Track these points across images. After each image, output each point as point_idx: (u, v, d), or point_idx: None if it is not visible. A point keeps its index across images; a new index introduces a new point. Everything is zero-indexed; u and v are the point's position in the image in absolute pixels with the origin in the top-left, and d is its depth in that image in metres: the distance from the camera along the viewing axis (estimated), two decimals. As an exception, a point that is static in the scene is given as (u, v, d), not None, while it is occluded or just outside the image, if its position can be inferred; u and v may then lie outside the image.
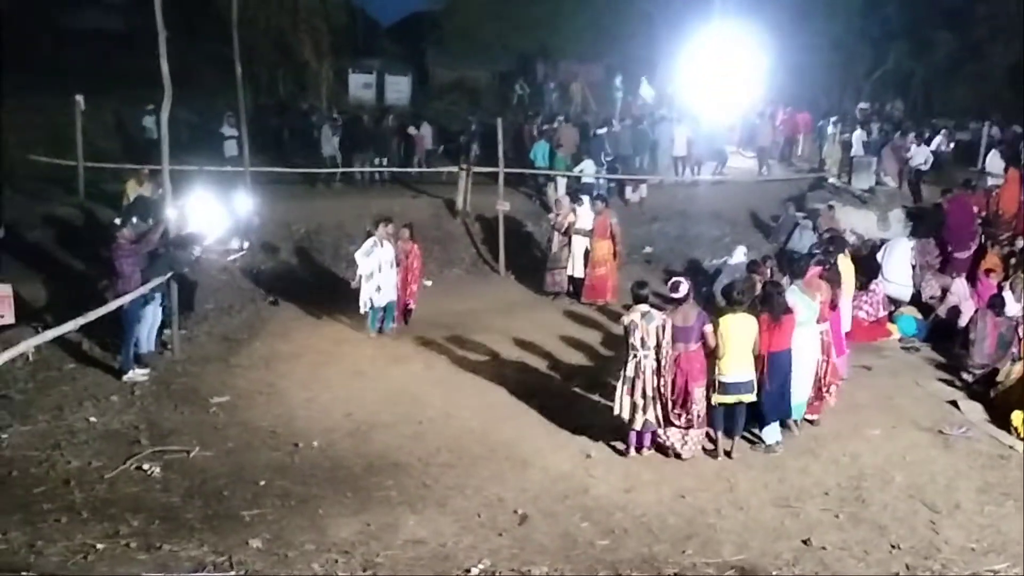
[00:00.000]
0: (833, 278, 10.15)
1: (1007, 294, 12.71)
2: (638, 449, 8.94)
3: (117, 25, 29.19)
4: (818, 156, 23.24)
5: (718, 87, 23.85)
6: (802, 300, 9.41)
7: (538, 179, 19.74)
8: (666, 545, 7.30)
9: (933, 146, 22.83)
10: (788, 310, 9.02)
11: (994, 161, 20.81)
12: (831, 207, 17.45)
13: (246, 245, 13.42)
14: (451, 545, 7.16)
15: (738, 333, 8.75)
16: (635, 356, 8.72)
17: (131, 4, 26.93)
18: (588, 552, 7.16)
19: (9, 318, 11.26)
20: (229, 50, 15.12)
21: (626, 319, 8.80)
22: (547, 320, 13.81)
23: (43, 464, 8.43)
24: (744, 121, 24.91)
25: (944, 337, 12.98)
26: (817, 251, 11.94)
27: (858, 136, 22.62)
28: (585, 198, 15.54)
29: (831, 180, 20.70)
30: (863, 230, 17.51)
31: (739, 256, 14.16)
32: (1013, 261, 15.12)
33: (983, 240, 15.98)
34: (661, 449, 9.04)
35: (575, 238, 14.86)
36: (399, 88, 31.20)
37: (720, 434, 9.11)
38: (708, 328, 8.77)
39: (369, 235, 12.53)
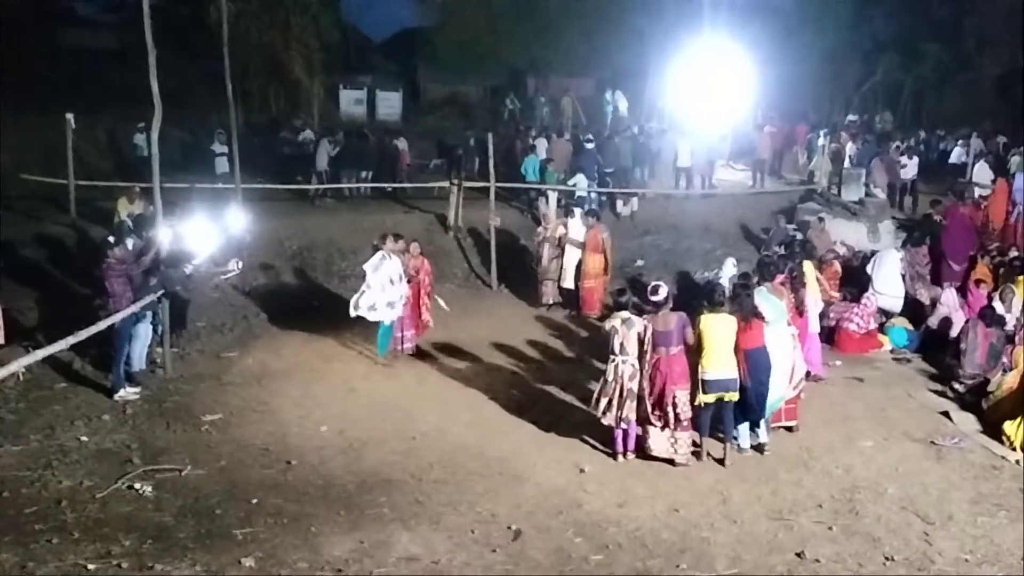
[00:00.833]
0: (796, 282, 10.45)
1: (996, 304, 12.75)
2: (623, 453, 9.08)
3: (109, 43, 29.28)
4: (807, 168, 23.34)
5: (709, 100, 23.95)
6: (768, 300, 9.59)
7: (530, 193, 19.78)
8: (660, 560, 7.29)
9: (955, 158, 23.05)
10: (757, 310, 9.21)
11: (982, 172, 20.91)
12: (821, 219, 17.48)
13: (239, 264, 13.39)
14: (445, 562, 7.15)
15: (719, 331, 8.94)
16: (613, 360, 8.95)
17: (123, 23, 27.05)
18: (582, 568, 7.15)
19: (-1, 338, 11.24)
20: (221, 68, 15.18)
21: (607, 325, 9.07)
22: (540, 334, 13.81)
23: (35, 484, 8.38)
24: (735, 133, 25.01)
25: (935, 348, 13.01)
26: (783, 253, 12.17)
27: (848, 148, 22.71)
28: (577, 210, 15.64)
29: (821, 192, 20.76)
30: (853, 241, 17.52)
31: (729, 269, 14.19)
32: (1002, 272, 15.16)
33: (973, 250, 16.03)
34: (646, 456, 9.07)
35: (568, 250, 14.97)
36: (390, 104, 31.31)
37: (704, 440, 9.20)
38: (689, 331, 8.98)
39: (376, 249, 12.24)
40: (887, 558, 7.39)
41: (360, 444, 9.50)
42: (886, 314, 14.17)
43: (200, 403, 10.66)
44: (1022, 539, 7.76)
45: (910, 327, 13.85)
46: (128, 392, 10.70)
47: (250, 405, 10.66)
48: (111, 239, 11.74)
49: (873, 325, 13.61)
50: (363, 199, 20.70)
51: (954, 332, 12.69)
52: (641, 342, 8.92)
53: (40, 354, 8.81)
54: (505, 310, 15.41)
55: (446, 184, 19.04)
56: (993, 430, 10.08)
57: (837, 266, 14.92)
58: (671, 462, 9.00)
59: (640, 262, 17.76)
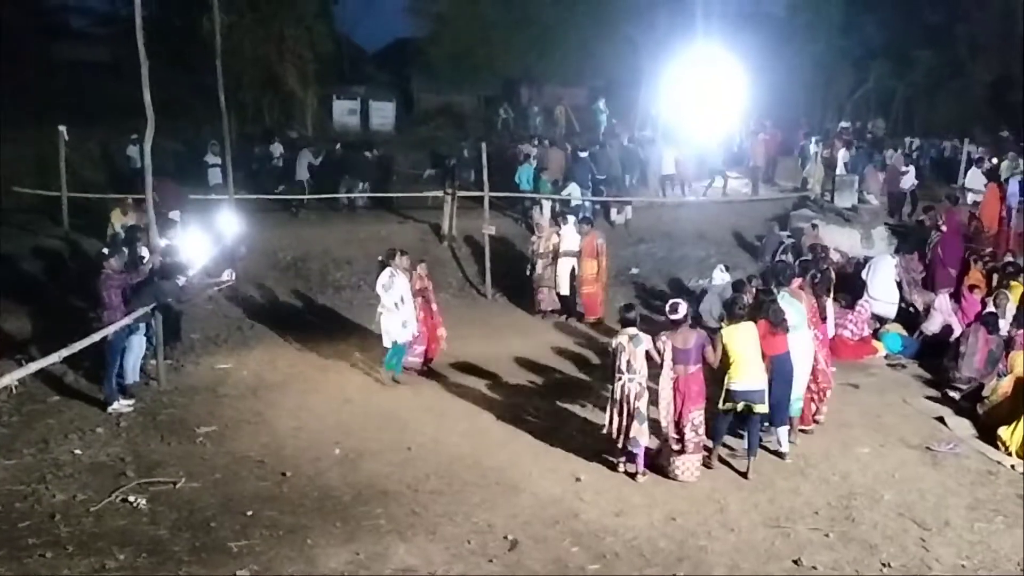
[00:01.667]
0: (819, 288, 10.46)
1: (993, 310, 12.77)
2: (632, 475, 8.90)
3: (102, 56, 29.22)
4: (800, 175, 23.39)
5: (702, 108, 24.01)
6: (792, 305, 9.62)
7: (524, 202, 19.79)
8: (657, 569, 7.27)
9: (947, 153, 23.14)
10: (784, 321, 9.19)
11: (975, 177, 20.96)
12: (815, 226, 17.53)
13: (232, 275, 13.33)
14: (441, 573, 7.13)
15: (744, 341, 8.86)
16: (620, 379, 8.78)
17: (116, 35, 27.03)
18: (579, 577, 7.14)
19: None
20: (214, 79, 15.16)
21: (613, 342, 8.87)
22: (535, 343, 13.79)
23: (28, 498, 8.34)
24: (728, 140, 25.07)
25: (931, 354, 13.02)
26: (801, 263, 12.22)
27: (841, 155, 22.77)
28: (570, 217, 15.69)
29: (814, 199, 20.80)
30: (847, 248, 17.57)
31: (719, 276, 14.20)
32: (996, 277, 15.18)
33: (966, 256, 16.06)
34: (659, 470, 9.02)
35: (561, 257, 15.01)
36: (384, 114, 31.27)
37: (716, 449, 9.20)
38: (708, 349, 8.86)
39: (383, 266, 11.73)
40: (884, 564, 7.39)
41: (356, 455, 9.47)
42: (880, 320, 14.19)
43: (194, 415, 10.62)
44: (1019, 544, 7.76)
45: (904, 333, 13.88)
46: (122, 405, 10.66)
47: (245, 417, 10.62)
48: (105, 251, 11.71)
49: (867, 331, 13.65)
50: (356, 210, 20.65)
51: (953, 338, 12.70)
52: (650, 359, 8.77)
53: (33, 367, 8.77)
54: (500, 319, 15.40)
55: (440, 194, 19.04)
56: (989, 435, 10.10)
57: (831, 273, 14.91)
58: (674, 477, 8.93)
59: (635, 270, 17.80)
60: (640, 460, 8.92)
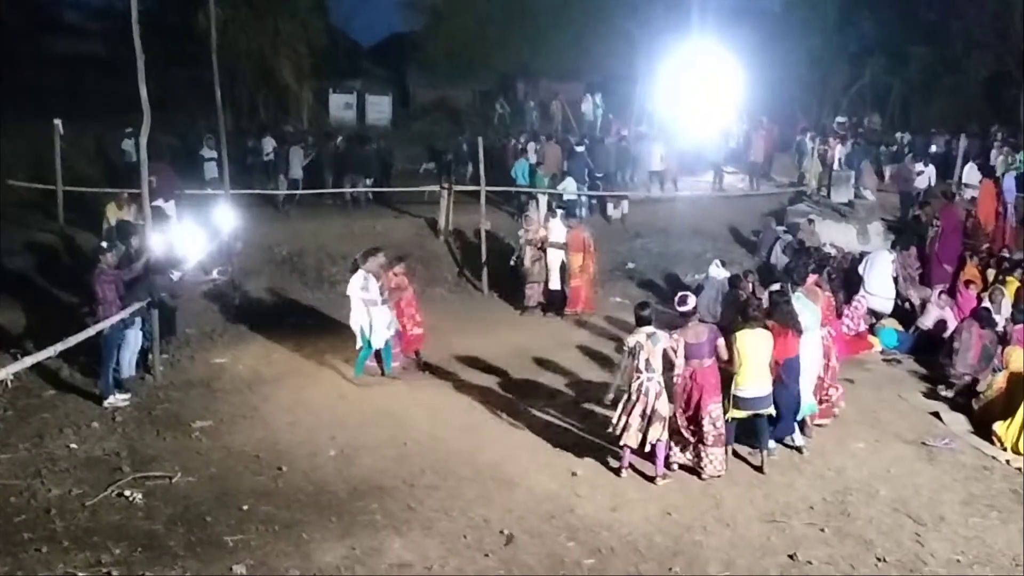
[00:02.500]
0: (837, 286, 10.51)
1: (988, 305, 12.78)
2: (663, 475, 8.77)
3: (97, 50, 29.21)
4: (797, 171, 23.43)
5: (698, 103, 24.03)
6: (807, 306, 9.65)
7: (520, 197, 19.79)
8: (653, 563, 7.28)
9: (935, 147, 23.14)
10: (798, 323, 9.20)
11: (971, 174, 21.01)
12: (811, 221, 17.57)
13: (226, 270, 13.33)
14: (437, 568, 7.12)
15: (755, 348, 8.82)
16: (638, 378, 8.63)
17: (111, 30, 26.99)
18: (575, 572, 7.14)
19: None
20: (209, 74, 15.11)
21: (631, 340, 8.70)
22: (530, 337, 13.78)
23: (23, 493, 8.32)
24: (725, 136, 25.09)
25: (926, 349, 13.03)
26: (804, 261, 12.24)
27: (838, 151, 22.80)
28: (558, 211, 15.75)
29: (810, 194, 20.83)
30: (843, 243, 17.59)
31: (714, 271, 14.20)
32: (992, 273, 15.22)
33: (963, 252, 16.08)
34: (690, 470, 8.94)
35: (550, 251, 15.06)
36: (380, 108, 31.31)
37: (729, 450, 9.13)
38: (720, 342, 8.83)
39: (355, 267, 11.54)
40: (879, 559, 7.39)
41: (351, 450, 9.46)
42: (876, 316, 14.20)
43: (190, 410, 10.60)
44: (1014, 540, 7.78)
45: (900, 328, 13.88)
46: (117, 399, 10.63)
47: (241, 412, 10.60)
48: (103, 244, 11.68)
49: (863, 326, 13.65)
50: (359, 204, 20.62)
51: (948, 333, 12.72)
52: (668, 358, 8.68)
53: (28, 361, 8.75)
54: (496, 315, 15.39)
55: (436, 188, 19.03)
56: (984, 431, 10.11)
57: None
58: (698, 475, 8.85)
59: (631, 265, 17.80)
60: (660, 462, 8.78)
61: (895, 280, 14.63)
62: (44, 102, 20.08)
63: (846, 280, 14.99)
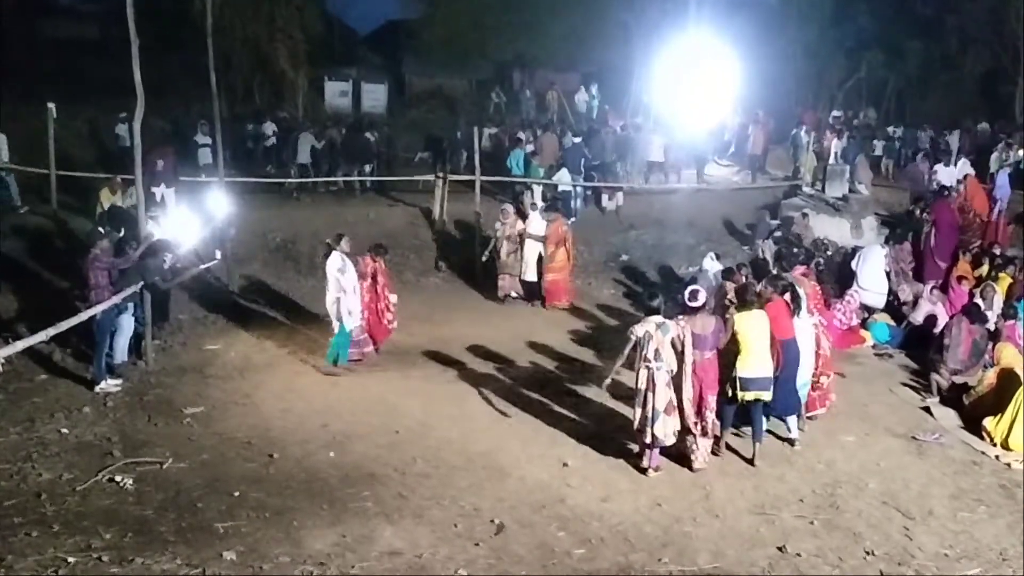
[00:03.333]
0: (823, 275, 10.64)
1: (979, 301, 12.82)
2: (646, 470, 8.79)
3: (91, 34, 29.05)
4: (792, 164, 23.42)
5: (694, 95, 23.98)
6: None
7: (515, 187, 19.76)
8: (642, 554, 7.31)
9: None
10: (797, 294, 9.41)
11: (964, 169, 21.03)
12: (805, 215, 17.57)
13: (217, 254, 13.28)
14: (427, 556, 7.14)
15: (755, 329, 8.92)
16: (647, 368, 8.61)
17: (106, 13, 26.80)
18: (565, 562, 7.16)
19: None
20: (204, 59, 15.03)
21: (640, 330, 8.64)
22: (524, 328, 13.81)
23: (14, 477, 8.31)
24: (720, 128, 25.07)
25: (918, 344, 13.08)
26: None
27: (834, 145, 22.80)
28: (538, 203, 15.85)
29: (805, 188, 20.83)
30: (837, 238, 17.62)
31: (709, 264, 14.21)
32: (985, 269, 15.26)
33: (956, 248, 16.11)
34: (675, 457, 8.99)
35: (527, 243, 15.09)
36: (376, 96, 31.18)
37: (724, 435, 9.23)
38: (722, 335, 8.89)
39: (330, 249, 11.53)
40: (868, 552, 7.44)
41: (343, 438, 9.47)
42: (868, 310, 14.24)
43: (182, 396, 10.61)
44: (1001, 534, 7.83)
45: (892, 323, 13.93)
46: (109, 384, 10.64)
47: (232, 398, 10.61)
48: (100, 230, 11.63)
49: (855, 321, 13.69)
50: (357, 193, 20.58)
51: (938, 328, 12.76)
52: (675, 347, 8.66)
53: (20, 345, 8.70)
54: (488, 304, 15.39)
55: (431, 177, 18.99)
56: (974, 426, 10.17)
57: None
58: (688, 466, 8.90)
59: (625, 256, 17.81)
60: (656, 453, 8.79)
61: (887, 275, 14.68)
62: (38, 85, 19.97)
63: (839, 274, 15.03)
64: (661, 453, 8.90)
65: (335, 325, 11.48)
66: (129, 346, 11.42)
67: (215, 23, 15.58)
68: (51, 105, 16.95)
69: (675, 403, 8.66)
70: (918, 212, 17.06)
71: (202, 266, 12.97)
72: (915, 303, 14.10)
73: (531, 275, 15.19)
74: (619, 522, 7.81)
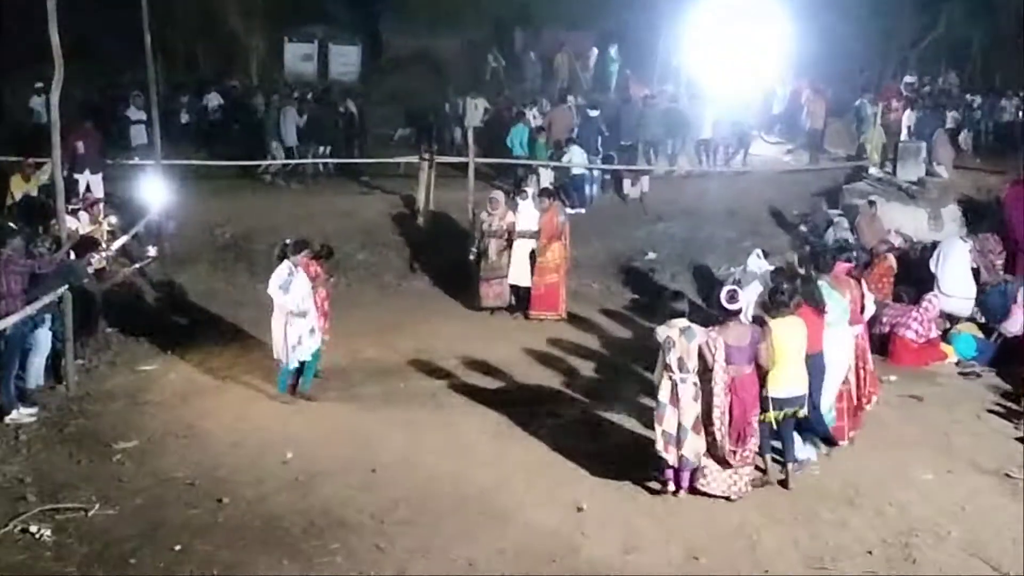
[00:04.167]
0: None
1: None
2: (675, 492, 9.03)
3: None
4: (855, 141, 23.44)
5: (734, 58, 24.01)
6: (831, 297, 9.79)
7: (517, 170, 19.78)
8: (675, 619, 7.30)
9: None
10: (823, 301, 9.48)
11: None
12: (872, 203, 17.55)
13: (153, 252, 13.33)
14: (411, 621, 7.14)
15: (790, 340, 9.07)
16: (671, 379, 8.81)
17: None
18: (579, 628, 7.16)
19: None
20: (137, 16, 15.07)
21: (661, 334, 8.88)
22: (527, 341, 13.79)
23: (-98, 530, 8.33)
24: (767, 98, 25.10)
25: (1011, 360, 13.06)
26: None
27: (906, 117, 22.81)
28: (528, 190, 15.75)
29: (872, 170, 20.84)
30: (911, 230, 17.59)
31: (754, 263, 14.20)
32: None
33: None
34: (698, 493, 9.10)
35: (517, 241, 15.02)
36: (347, 60, 31.31)
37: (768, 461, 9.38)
38: (763, 347, 9.00)
39: (281, 258, 11.48)
40: (951, 616, 7.42)
41: (308, 477, 9.47)
42: (951, 319, 14.22)
43: (111, 427, 10.61)
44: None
45: (980, 335, 13.90)
46: (22, 414, 10.63)
47: (173, 429, 10.61)
48: (11, 225, 11.66)
49: (935, 332, 13.66)
50: (316, 177, 20.65)
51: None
52: (703, 357, 8.81)
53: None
54: (486, 317, 15.36)
55: (415, 159, 19.01)
56: (1080, 460, 10.14)
57: (891, 260, 15.00)
58: (727, 498, 9.04)
59: (651, 254, 17.78)
60: (685, 479, 9.01)
61: (975, 272, 14.62)
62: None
63: (915, 276, 15.01)
64: (695, 491, 9.00)
65: (287, 353, 11.31)
66: (46, 367, 11.44)
67: (151, -28, 15.63)
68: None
69: (700, 423, 8.82)
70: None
71: (134, 266, 12.98)
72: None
73: (523, 279, 15.07)
74: (646, 579, 7.82)
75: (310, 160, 20.78)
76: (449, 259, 17.00)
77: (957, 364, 13.46)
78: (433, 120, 23.49)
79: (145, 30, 15.04)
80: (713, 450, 8.93)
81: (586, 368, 12.88)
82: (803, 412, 9.24)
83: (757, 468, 9.31)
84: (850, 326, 10.02)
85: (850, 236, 16.13)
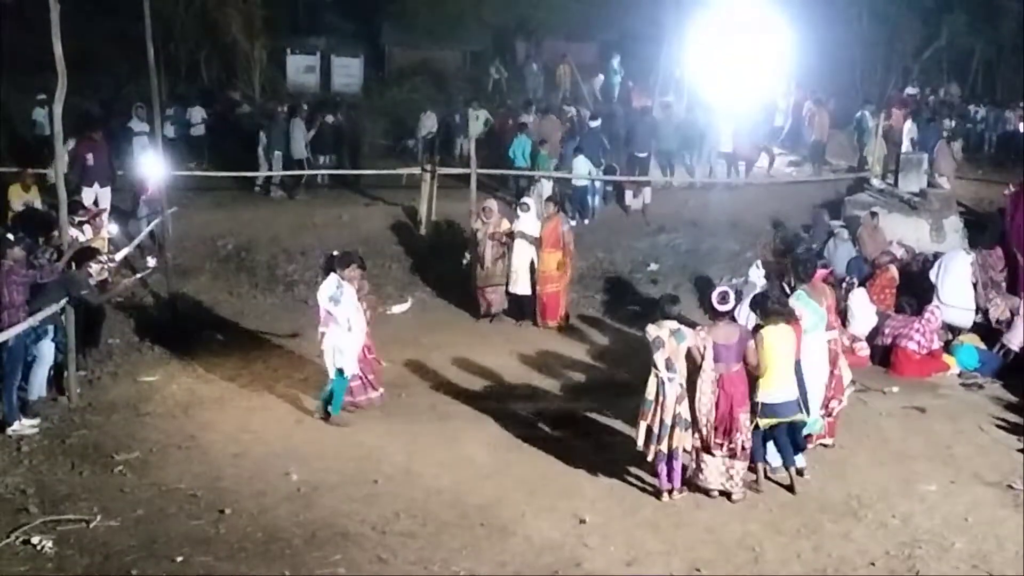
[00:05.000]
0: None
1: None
2: (668, 491, 9.21)
3: (2, -2, 29.13)
4: (857, 153, 23.46)
5: (737, 69, 24.02)
6: (808, 305, 9.96)
7: (519, 181, 19.81)
8: (677, 632, 7.29)
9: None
10: (792, 312, 9.61)
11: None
12: (874, 214, 17.54)
13: (153, 262, 13.33)
14: (413, 633, 7.13)
15: (781, 346, 9.24)
16: (657, 377, 9.04)
17: (18, -28, 26.98)
18: (581, 640, 7.15)
19: None
20: (140, 27, 15.09)
21: (652, 333, 9.12)
22: (528, 352, 13.82)
23: (-96, 541, 8.32)
24: (771, 110, 25.14)
25: (1014, 372, 13.06)
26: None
27: (907, 128, 22.83)
28: (531, 202, 15.77)
29: (874, 181, 20.84)
30: (913, 241, 17.57)
31: (755, 274, 14.23)
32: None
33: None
34: (696, 489, 9.33)
35: (517, 247, 15.08)
36: (349, 72, 31.36)
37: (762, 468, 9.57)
38: (751, 345, 9.22)
39: (329, 271, 11.22)
40: (955, 629, 7.41)
41: (310, 488, 9.46)
42: (953, 330, 14.21)
43: (113, 439, 10.60)
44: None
45: (982, 346, 13.90)
46: (24, 426, 10.62)
47: (174, 440, 10.60)
48: (11, 236, 11.67)
49: (937, 344, 13.67)
50: (318, 188, 20.68)
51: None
52: (692, 358, 9.09)
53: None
54: (488, 326, 15.40)
55: (417, 171, 19.04)
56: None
57: (893, 271, 14.99)
58: (727, 495, 9.22)
59: (653, 266, 17.80)
60: (677, 475, 9.22)
61: (975, 286, 14.64)
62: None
63: (917, 287, 15.01)
64: (693, 487, 9.22)
65: (336, 365, 11.09)
66: (48, 378, 11.45)
67: (153, -17, 15.66)
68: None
69: (686, 419, 9.07)
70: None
71: (135, 277, 12.92)
72: (1011, 322, 14.06)
73: (523, 287, 15.18)
74: (648, 592, 7.81)
75: (319, 171, 20.82)
76: (451, 270, 17.00)
77: (959, 375, 13.46)
78: (425, 134, 23.61)
79: (148, 42, 15.03)
80: (700, 442, 9.21)
81: (586, 379, 12.90)
82: (801, 417, 9.38)
83: (751, 470, 9.45)
84: (826, 332, 10.16)
85: (852, 248, 16.14)
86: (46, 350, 11.17)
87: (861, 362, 13.38)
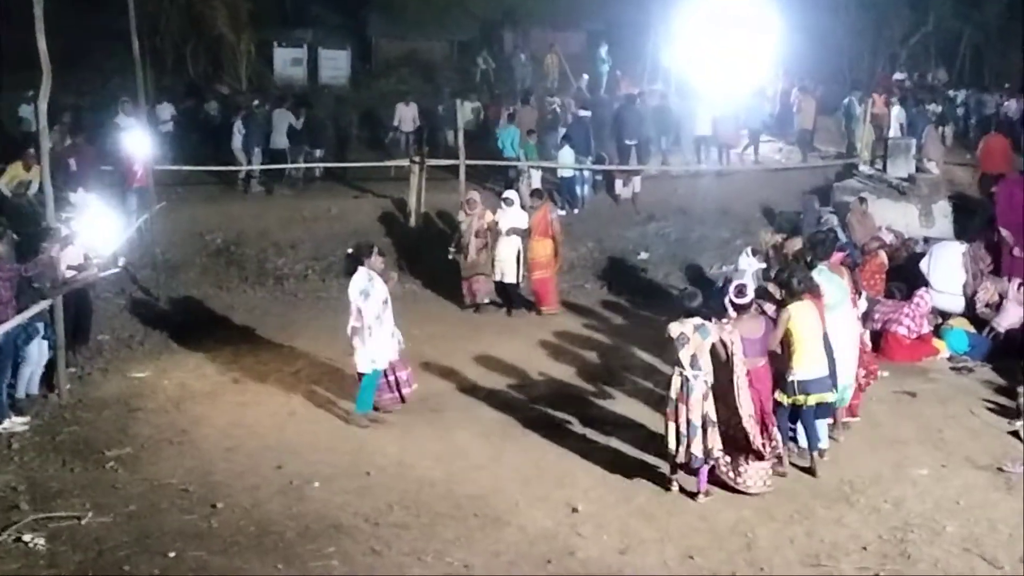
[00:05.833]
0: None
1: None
2: (705, 493, 9.09)
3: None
4: (845, 139, 23.49)
5: (724, 56, 24.02)
6: (832, 281, 10.05)
7: (508, 172, 19.80)
8: (671, 618, 7.31)
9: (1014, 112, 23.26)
10: (816, 286, 9.67)
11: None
12: (863, 200, 17.57)
13: (122, 262, 13.29)
14: (407, 624, 7.14)
15: (808, 323, 9.30)
16: (681, 375, 8.90)
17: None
18: (576, 629, 7.16)
19: None
20: (125, 21, 15.05)
21: (675, 330, 8.95)
22: (521, 342, 13.82)
23: None
24: (759, 97, 25.15)
25: (1004, 355, 13.09)
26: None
27: (895, 114, 22.85)
28: (513, 196, 15.82)
29: (862, 167, 20.87)
30: (902, 227, 17.60)
31: (745, 262, 14.25)
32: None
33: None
34: (722, 484, 9.25)
35: (503, 238, 15.19)
36: (336, 64, 31.31)
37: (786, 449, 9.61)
38: (772, 335, 9.27)
39: (355, 263, 10.94)
40: (947, 612, 7.43)
41: (302, 481, 9.45)
42: (943, 315, 14.24)
43: (104, 435, 10.58)
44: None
45: (972, 329, 13.93)
46: (14, 423, 10.60)
47: (166, 436, 10.58)
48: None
49: (927, 328, 13.69)
50: (308, 181, 20.62)
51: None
52: (716, 354, 8.93)
53: None
54: (479, 318, 15.40)
55: (405, 162, 19.01)
56: (1074, 454, 10.16)
57: (883, 257, 14.99)
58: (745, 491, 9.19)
59: (643, 254, 17.83)
60: (704, 475, 9.08)
61: (967, 275, 14.64)
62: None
63: (906, 272, 15.03)
64: (730, 490, 9.15)
65: (362, 363, 10.85)
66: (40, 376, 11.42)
67: (139, -24, 15.62)
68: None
69: (713, 419, 8.89)
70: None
71: (96, 272, 12.61)
72: (999, 304, 14.09)
73: (510, 276, 15.29)
74: (642, 579, 7.82)
75: (301, 165, 20.74)
76: (441, 261, 16.98)
77: (949, 359, 13.49)
78: (408, 130, 23.59)
79: (133, 36, 15.00)
80: (745, 445, 9.01)
81: (577, 369, 12.89)
82: (831, 397, 9.48)
83: (777, 457, 9.44)
84: (852, 308, 10.32)
85: (841, 234, 16.16)
86: (35, 349, 11.13)
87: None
